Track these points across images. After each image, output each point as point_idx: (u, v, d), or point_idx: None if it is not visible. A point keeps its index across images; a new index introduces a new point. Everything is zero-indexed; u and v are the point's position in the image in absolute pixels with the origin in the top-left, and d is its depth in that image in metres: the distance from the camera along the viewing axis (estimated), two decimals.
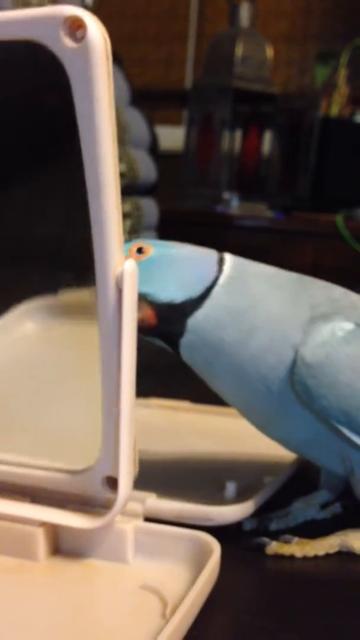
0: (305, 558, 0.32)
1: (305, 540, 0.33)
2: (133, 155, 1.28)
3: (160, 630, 0.25)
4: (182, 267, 0.33)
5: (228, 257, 0.34)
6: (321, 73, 1.74)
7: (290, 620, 0.28)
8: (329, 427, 0.31)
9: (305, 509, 0.36)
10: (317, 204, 1.59)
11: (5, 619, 0.27)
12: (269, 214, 1.64)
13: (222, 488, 0.36)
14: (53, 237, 0.35)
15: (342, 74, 1.66)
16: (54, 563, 0.31)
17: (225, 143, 1.69)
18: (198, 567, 0.29)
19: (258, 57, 1.68)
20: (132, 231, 1.28)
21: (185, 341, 0.32)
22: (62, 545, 0.31)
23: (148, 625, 0.26)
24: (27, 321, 0.40)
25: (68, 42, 0.25)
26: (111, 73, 0.27)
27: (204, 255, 0.34)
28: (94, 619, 0.27)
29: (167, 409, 0.46)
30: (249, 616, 0.28)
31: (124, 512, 0.32)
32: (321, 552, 0.32)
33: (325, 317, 0.31)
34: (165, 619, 0.26)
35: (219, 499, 0.35)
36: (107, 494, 0.30)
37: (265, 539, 0.33)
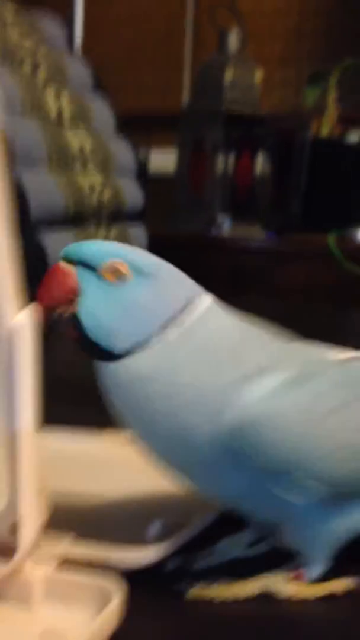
0: (225, 601, 0.32)
1: (225, 584, 0.32)
2: (119, 182, 1.29)
3: None
4: (137, 315, 0.31)
5: (200, 303, 0.32)
6: (311, 94, 1.75)
7: None
8: (258, 481, 0.30)
9: (230, 548, 0.35)
10: (309, 224, 1.59)
11: None
12: (262, 235, 1.64)
13: (147, 527, 0.35)
14: None
15: (332, 94, 1.67)
16: None
17: (217, 166, 1.70)
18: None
19: (247, 81, 1.69)
20: None
21: (107, 371, 0.31)
22: None
23: None
24: None
25: None
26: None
27: (169, 295, 0.31)
28: None
29: (105, 442, 0.46)
30: None
31: (37, 556, 0.32)
32: (242, 596, 0.32)
33: (258, 374, 0.30)
34: None
35: (142, 539, 0.34)
36: (14, 541, 0.30)
37: (185, 585, 0.32)
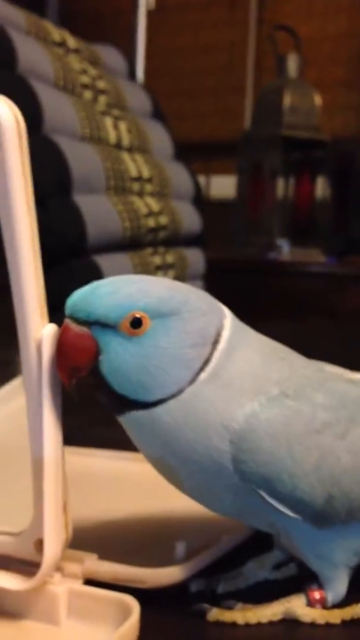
0: (247, 625, 0.31)
1: (248, 607, 0.32)
2: (176, 207, 1.31)
3: None
4: (163, 365, 0.29)
5: (225, 333, 0.30)
6: None
7: None
8: (252, 493, 0.30)
9: (256, 570, 0.35)
10: None
11: None
12: (322, 258, 1.63)
13: (173, 547, 0.36)
14: None
15: None
16: None
17: (276, 190, 1.70)
18: None
19: (307, 105, 1.69)
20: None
21: (136, 419, 0.30)
22: (2, 605, 0.32)
23: None
24: None
25: None
26: (25, 147, 0.28)
27: (196, 335, 0.30)
28: None
29: (127, 461, 0.46)
30: None
31: (64, 573, 0.32)
32: (264, 620, 0.32)
33: (254, 393, 0.30)
34: None
35: (166, 559, 0.34)
36: (39, 557, 0.30)
37: (206, 605, 0.32)
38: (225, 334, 0.30)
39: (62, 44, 1.19)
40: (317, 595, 0.32)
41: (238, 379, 0.30)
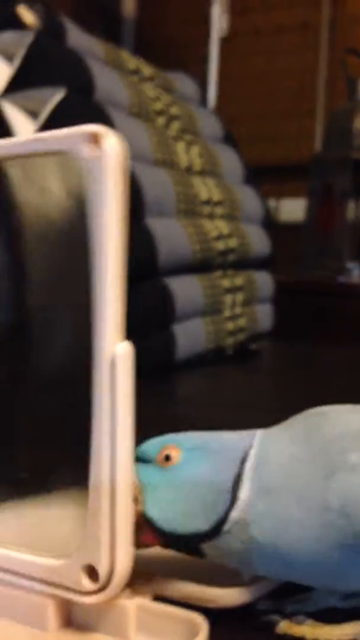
0: None
1: (318, 624, 0.32)
2: (245, 230, 1.32)
3: None
4: (198, 490, 0.31)
5: (252, 451, 0.31)
6: None
7: None
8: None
9: (326, 596, 0.35)
10: None
11: None
12: None
13: None
14: None
15: None
16: (62, 635, 0.32)
17: (347, 212, 1.69)
18: None
19: None
20: (245, 304, 1.30)
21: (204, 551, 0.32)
22: (74, 618, 0.33)
23: None
24: None
25: (90, 152, 0.29)
26: (126, 178, 0.30)
27: (226, 463, 0.31)
28: None
29: None
30: None
31: (134, 589, 0.33)
32: (333, 639, 0.31)
33: (341, 464, 0.30)
34: None
35: (234, 579, 0.35)
36: (89, 584, 0.31)
37: (275, 617, 0.32)
38: (254, 444, 0.31)
39: (137, 72, 1.22)
40: None
41: (282, 480, 0.30)
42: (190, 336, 1.12)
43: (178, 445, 0.32)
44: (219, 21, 1.70)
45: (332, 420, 0.32)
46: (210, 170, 1.27)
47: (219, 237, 1.20)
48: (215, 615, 0.31)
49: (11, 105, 0.99)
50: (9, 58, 1.00)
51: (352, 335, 1.47)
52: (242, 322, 1.28)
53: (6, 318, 0.35)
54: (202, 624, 0.29)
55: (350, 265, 1.65)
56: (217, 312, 1.21)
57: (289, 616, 0.33)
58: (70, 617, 0.33)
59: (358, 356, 1.30)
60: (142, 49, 2.00)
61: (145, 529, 0.31)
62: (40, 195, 0.33)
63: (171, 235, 1.09)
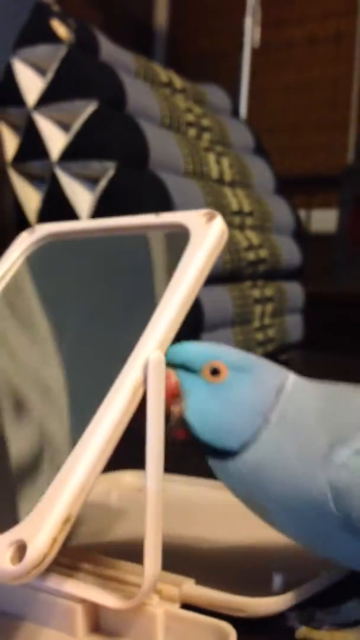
0: None
1: (336, 629, 0.32)
2: (276, 241, 1.31)
3: None
4: (240, 411, 0.32)
5: (288, 384, 0.33)
6: None
7: None
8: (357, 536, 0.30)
9: (358, 608, 0.34)
10: None
11: None
12: None
13: (270, 577, 0.36)
14: None
15: None
16: None
17: None
18: None
19: None
20: (275, 314, 1.30)
21: (217, 466, 0.33)
22: (102, 623, 0.33)
23: None
24: None
25: (203, 225, 0.35)
26: (217, 252, 0.35)
27: (265, 386, 0.33)
28: None
29: (223, 490, 0.46)
30: None
31: (162, 596, 0.33)
32: None
33: (345, 437, 0.30)
34: None
35: (264, 589, 0.35)
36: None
37: (295, 623, 0.32)
38: (287, 385, 0.33)
39: (169, 84, 1.23)
40: None
41: (303, 423, 0.31)
42: None
43: (225, 361, 0.33)
44: (251, 33, 1.71)
45: None
46: (241, 181, 1.28)
47: (250, 248, 1.20)
48: (243, 624, 0.31)
49: (44, 118, 1.00)
50: (43, 71, 1.02)
51: None
52: (271, 332, 1.28)
53: None
54: (230, 633, 0.29)
55: None
56: (247, 323, 1.20)
57: (316, 625, 0.32)
58: (98, 623, 0.33)
59: None
60: (174, 61, 2.02)
61: (181, 428, 0.32)
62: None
63: None
